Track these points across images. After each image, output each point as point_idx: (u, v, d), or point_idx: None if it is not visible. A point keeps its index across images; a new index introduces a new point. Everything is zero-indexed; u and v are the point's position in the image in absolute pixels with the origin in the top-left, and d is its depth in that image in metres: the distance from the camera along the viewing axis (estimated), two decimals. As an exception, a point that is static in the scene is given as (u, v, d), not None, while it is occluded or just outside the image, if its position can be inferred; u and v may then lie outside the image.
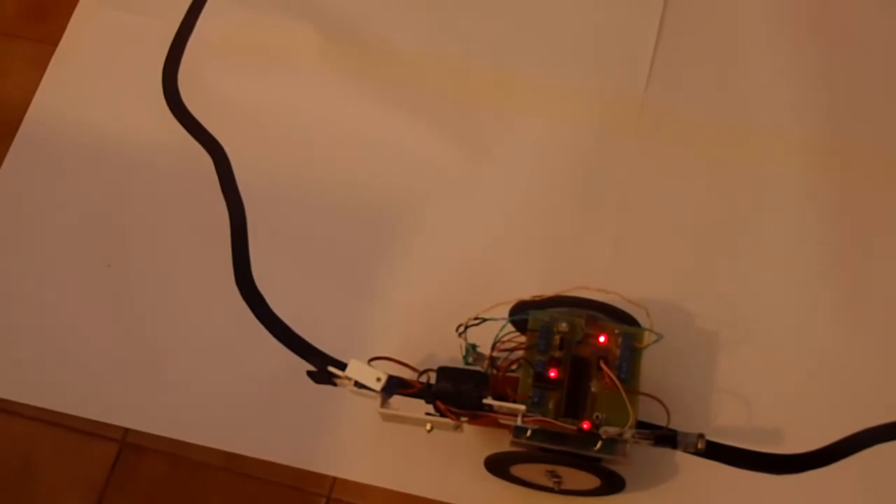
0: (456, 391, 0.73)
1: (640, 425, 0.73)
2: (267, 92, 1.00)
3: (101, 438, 0.87)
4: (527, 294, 0.78)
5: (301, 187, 0.96)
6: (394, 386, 0.74)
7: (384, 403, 0.74)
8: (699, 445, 0.72)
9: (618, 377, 0.72)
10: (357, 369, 0.74)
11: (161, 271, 0.93)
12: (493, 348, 0.76)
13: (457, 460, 0.83)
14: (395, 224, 0.94)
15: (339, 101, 0.99)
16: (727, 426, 0.83)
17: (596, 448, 0.72)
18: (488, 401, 0.72)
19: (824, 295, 0.88)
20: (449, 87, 0.99)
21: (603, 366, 0.72)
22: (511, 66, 1.00)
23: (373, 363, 0.75)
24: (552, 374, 0.73)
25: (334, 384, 0.76)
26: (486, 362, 0.76)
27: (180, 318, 0.91)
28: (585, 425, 0.71)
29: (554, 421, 0.71)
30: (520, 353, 0.75)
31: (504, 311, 0.78)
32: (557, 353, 0.74)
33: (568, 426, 0.71)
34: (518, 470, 0.78)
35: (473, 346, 0.76)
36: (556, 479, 0.77)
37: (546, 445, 0.73)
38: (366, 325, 0.90)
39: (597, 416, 0.71)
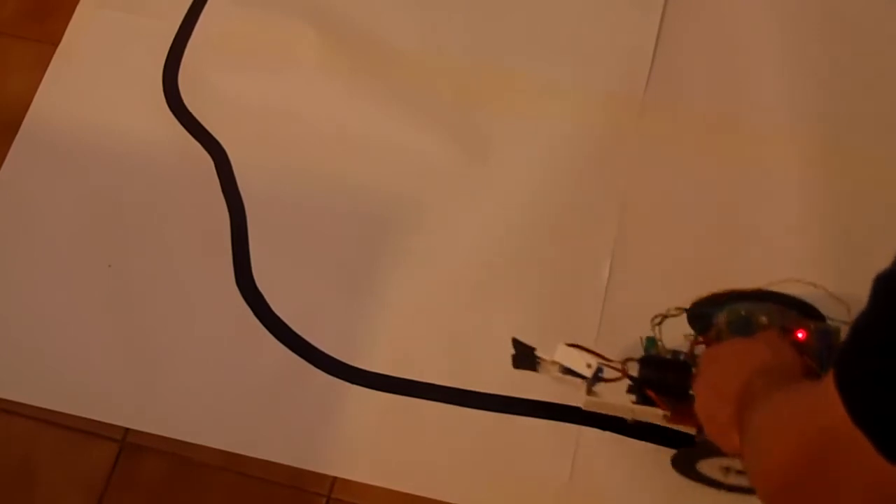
0: (660, 379, 0.73)
1: None
2: (267, 92, 1.00)
3: (102, 438, 0.87)
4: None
5: (302, 187, 0.96)
6: (600, 374, 0.74)
7: (590, 391, 0.74)
8: None
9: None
10: (567, 355, 0.74)
11: (162, 271, 0.93)
12: (695, 341, 0.75)
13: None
14: (395, 224, 0.94)
15: (340, 101, 0.99)
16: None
17: None
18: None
19: None
20: (449, 87, 0.99)
21: (807, 360, 0.71)
22: (511, 67, 1.00)
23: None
24: None
25: (535, 369, 0.76)
26: (687, 355, 0.74)
27: (181, 318, 0.91)
28: None
29: None
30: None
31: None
32: None
33: None
34: (703, 466, 0.77)
35: (654, 341, 0.76)
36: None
37: None
38: (365, 326, 0.89)
39: None
